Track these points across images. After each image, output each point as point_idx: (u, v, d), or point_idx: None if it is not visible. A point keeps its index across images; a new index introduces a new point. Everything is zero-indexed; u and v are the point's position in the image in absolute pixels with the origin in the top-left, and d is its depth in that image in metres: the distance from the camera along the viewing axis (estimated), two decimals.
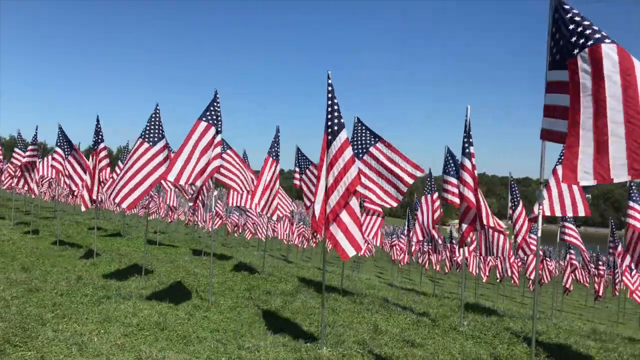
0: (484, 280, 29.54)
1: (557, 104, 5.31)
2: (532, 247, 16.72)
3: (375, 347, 7.67)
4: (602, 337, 10.00)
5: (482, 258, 25.40)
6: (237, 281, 12.42)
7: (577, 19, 5.11)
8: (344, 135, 6.96)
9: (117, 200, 10.62)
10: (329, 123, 7.03)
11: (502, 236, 15.18)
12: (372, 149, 10.17)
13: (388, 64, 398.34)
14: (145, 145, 10.66)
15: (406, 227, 26.20)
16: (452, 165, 11.69)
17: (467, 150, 9.28)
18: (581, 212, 11.02)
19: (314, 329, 8.50)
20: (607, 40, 4.82)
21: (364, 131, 10.36)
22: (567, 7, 5.25)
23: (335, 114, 7.05)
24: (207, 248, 17.65)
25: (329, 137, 7.00)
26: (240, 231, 36.69)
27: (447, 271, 29.04)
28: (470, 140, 9.40)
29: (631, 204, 11.67)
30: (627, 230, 11.50)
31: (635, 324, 24.75)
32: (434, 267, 29.85)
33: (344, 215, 6.94)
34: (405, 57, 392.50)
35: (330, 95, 7.08)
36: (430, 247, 25.98)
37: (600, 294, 24.06)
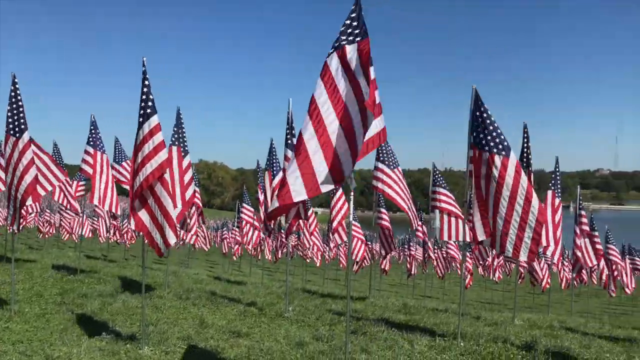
0: (317, 265, 30.89)
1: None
2: (354, 232, 17.90)
3: (200, 341, 7.54)
4: (411, 310, 11.07)
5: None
6: (47, 286, 11.26)
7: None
8: (154, 120, 6.67)
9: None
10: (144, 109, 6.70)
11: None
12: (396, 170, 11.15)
13: None
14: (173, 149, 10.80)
15: (236, 219, 26.20)
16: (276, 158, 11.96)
17: (290, 142, 9.57)
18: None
19: (136, 329, 8.06)
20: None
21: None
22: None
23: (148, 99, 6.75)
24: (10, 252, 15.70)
25: (140, 119, 6.68)
26: (53, 231, 33.41)
27: (275, 261, 29.67)
28: (293, 132, 9.72)
29: (437, 189, 13.09)
30: (440, 212, 12.83)
31: (439, 296, 27.93)
32: (266, 257, 30.43)
33: (152, 205, 6.65)
34: None
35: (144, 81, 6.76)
36: (264, 237, 26.37)
37: (413, 272, 26.59)
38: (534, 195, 7.16)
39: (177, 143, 10.89)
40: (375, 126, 5.27)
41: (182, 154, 10.93)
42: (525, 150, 10.41)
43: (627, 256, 24.94)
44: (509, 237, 7.23)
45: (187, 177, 10.85)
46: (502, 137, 7.26)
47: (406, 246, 29.54)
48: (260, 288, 13.63)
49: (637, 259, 25.95)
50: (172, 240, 6.75)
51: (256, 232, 22.62)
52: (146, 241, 6.85)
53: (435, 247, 27.37)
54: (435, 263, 26.85)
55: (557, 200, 12.19)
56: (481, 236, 7.51)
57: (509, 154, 7.21)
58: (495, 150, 7.22)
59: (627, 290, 22.70)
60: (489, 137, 7.28)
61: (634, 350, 7.93)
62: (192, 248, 28.33)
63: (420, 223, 22.17)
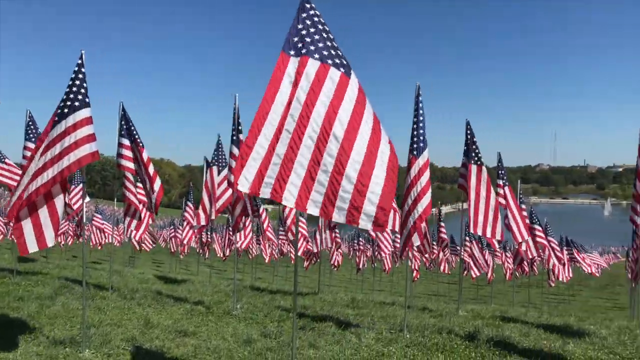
0: (266, 261, 30.71)
1: None
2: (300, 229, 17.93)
3: (145, 342, 7.36)
4: (359, 304, 11.19)
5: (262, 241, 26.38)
6: None
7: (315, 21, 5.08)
8: (83, 114, 6.38)
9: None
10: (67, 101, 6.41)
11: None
12: None
13: None
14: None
15: (183, 217, 25.70)
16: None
17: (235, 138, 9.49)
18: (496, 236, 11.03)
19: (77, 331, 7.77)
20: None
21: None
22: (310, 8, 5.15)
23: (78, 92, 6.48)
24: None
25: (56, 119, 6.36)
26: None
27: (224, 258, 29.35)
28: (240, 128, 9.63)
29: None
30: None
31: (388, 289, 28.37)
32: (217, 254, 30.05)
33: (41, 205, 6.28)
34: None
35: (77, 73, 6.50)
36: (208, 235, 26.02)
37: (361, 267, 26.91)
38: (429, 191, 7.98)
39: (128, 137, 10.48)
40: None
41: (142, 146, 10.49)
42: (470, 146, 10.67)
43: (565, 247, 26.07)
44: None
45: (151, 170, 10.50)
46: (423, 137, 8.12)
47: (355, 242, 29.88)
48: (208, 286, 13.44)
49: (575, 250, 27.16)
50: (50, 242, 6.38)
51: (191, 231, 22.30)
52: (12, 236, 6.51)
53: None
54: (383, 257, 27.24)
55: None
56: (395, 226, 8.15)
57: (420, 154, 8.03)
58: (415, 152, 8.06)
59: (563, 279, 23.70)
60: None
61: (569, 337, 8.30)
62: (135, 247, 27.71)
63: None
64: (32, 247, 6.27)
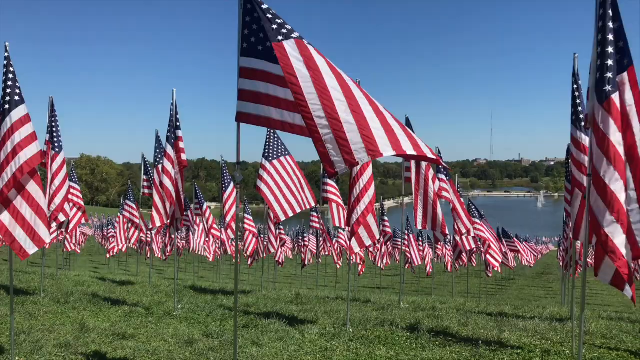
0: (210, 260, 30.24)
1: (250, 89, 5.57)
2: (247, 226, 17.76)
3: (80, 346, 7.06)
4: (303, 300, 11.19)
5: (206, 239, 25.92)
6: None
7: (270, 15, 5.29)
8: (21, 111, 6.06)
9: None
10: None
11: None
12: (282, 159, 10.50)
13: None
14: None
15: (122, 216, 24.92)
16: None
17: (170, 135, 9.24)
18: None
19: (5, 339, 7.37)
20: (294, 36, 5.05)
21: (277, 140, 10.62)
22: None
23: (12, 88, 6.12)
24: None
25: (6, 107, 6.03)
26: None
27: (164, 258, 28.69)
28: (178, 124, 9.37)
29: (326, 180, 13.36)
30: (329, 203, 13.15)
31: (333, 285, 28.59)
32: (156, 254, 29.25)
33: (21, 205, 6.03)
34: None
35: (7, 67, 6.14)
36: (148, 235, 25.31)
37: (306, 262, 26.98)
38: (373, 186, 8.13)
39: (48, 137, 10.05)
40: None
41: (57, 149, 10.08)
42: None
43: (505, 239, 27.05)
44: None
45: (62, 174, 10.04)
46: None
47: (300, 237, 29.90)
48: (148, 287, 13.08)
49: (516, 241, 28.23)
50: (46, 239, 6.20)
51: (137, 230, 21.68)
52: (4, 243, 6.22)
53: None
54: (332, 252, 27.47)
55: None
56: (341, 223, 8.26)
57: None
58: None
59: (498, 269, 24.57)
60: None
61: (504, 325, 8.61)
62: (66, 249, 26.64)
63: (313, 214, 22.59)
64: (30, 248, 5.97)
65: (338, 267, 28.90)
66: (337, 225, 12.56)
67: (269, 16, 5.14)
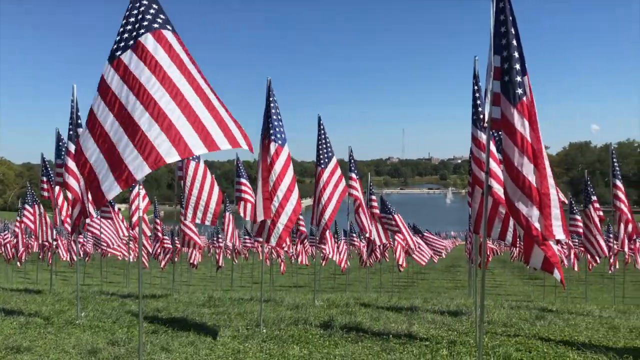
0: (146, 264, 28.86)
1: None
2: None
3: None
4: (216, 302, 10.94)
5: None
6: None
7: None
8: None
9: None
10: None
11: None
12: None
13: None
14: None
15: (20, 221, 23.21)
16: None
17: (72, 133, 8.71)
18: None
19: None
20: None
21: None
22: None
23: None
24: None
25: None
26: None
27: (70, 261, 27.18)
28: (79, 122, 8.86)
29: (240, 179, 13.21)
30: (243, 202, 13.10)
31: (249, 285, 28.30)
32: (62, 258, 27.59)
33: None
34: None
35: None
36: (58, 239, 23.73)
37: (220, 264, 26.47)
38: (296, 187, 8.13)
39: None
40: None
41: None
42: (323, 141, 10.83)
43: (418, 235, 27.94)
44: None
45: None
46: (282, 128, 8.17)
47: (215, 238, 29.32)
48: (48, 295, 12.24)
49: (430, 235, 29.19)
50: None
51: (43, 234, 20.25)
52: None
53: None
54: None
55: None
56: (260, 217, 8.05)
57: (284, 144, 8.10)
58: (273, 137, 8.04)
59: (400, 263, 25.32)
60: (271, 125, 8.11)
61: (414, 318, 8.89)
62: None
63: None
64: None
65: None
66: (248, 219, 12.58)
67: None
